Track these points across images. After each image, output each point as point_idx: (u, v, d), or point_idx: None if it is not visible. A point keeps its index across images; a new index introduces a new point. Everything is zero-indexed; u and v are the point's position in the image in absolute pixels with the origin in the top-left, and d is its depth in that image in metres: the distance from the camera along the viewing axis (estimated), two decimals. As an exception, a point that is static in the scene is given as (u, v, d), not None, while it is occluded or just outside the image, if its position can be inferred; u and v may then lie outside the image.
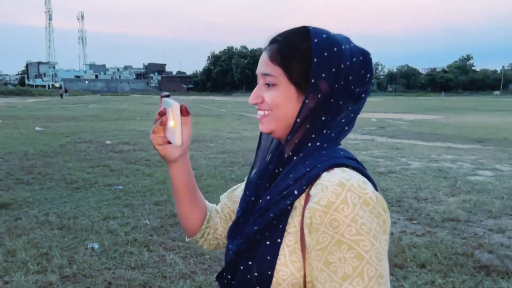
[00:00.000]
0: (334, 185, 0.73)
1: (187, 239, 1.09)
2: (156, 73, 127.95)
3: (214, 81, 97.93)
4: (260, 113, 0.88)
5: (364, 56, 0.84)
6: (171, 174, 0.98)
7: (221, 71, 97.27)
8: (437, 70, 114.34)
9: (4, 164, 7.70)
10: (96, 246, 3.91)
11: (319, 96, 0.81)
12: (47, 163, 7.79)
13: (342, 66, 0.81)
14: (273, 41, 0.87)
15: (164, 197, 5.57)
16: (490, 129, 15.34)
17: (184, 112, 0.91)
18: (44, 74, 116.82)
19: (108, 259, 3.68)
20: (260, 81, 0.88)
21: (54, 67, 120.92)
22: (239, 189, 1.08)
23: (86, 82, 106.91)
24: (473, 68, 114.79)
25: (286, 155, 0.86)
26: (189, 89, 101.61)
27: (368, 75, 0.85)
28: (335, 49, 0.81)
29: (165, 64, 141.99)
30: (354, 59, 0.83)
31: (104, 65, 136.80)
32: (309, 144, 0.83)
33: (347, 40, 0.85)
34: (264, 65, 0.86)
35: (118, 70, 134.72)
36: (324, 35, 0.82)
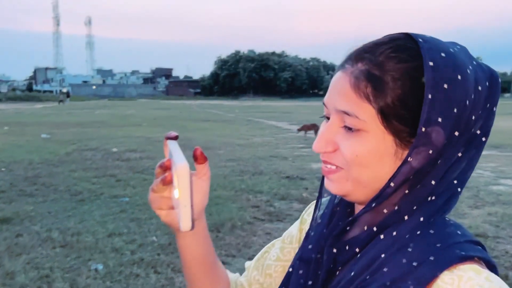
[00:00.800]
0: None
1: None
2: (163, 78, 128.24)
3: (222, 85, 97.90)
4: (330, 167, 0.60)
5: (491, 80, 0.57)
6: (179, 246, 0.72)
7: (228, 75, 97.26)
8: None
9: (9, 174, 7.50)
10: (100, 267, 3.66)
11: (430, 151, 0.54)
12: (52, 173, 7.58)
13: (467, 102, 0.53)
14: (358, 58, 0.57)
15: (172, 210, 5.30)
16: (506, 134, 14.95)
17: (199, 159, 0.64)
18: (52, 79, 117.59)
19: (112, 282, 3.42)
20: (333, 118, 0.59)
21: (61, 72, 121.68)
22: (272, 254, 0.80)
23: (94, 87, 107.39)
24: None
25: (365, 227, 0.58)
26: (197, 93, 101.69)
27: (494, 109, 0.57)
28: (459, 76, 0.53)
29: (172, 69, 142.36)
30: (480, 88, 0.55)
31: (111, 70, 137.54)
32: (406, 218, 0.55)
33: (468, 55, 0.57)
34: (343, 97, 0.57)
35: (125, 75, 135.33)
36: (443, 54, 0.54)
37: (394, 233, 0.55)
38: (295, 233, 0.79)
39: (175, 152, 0.60)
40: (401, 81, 0.54)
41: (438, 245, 0.53)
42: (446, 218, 0.58)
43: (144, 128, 16.56)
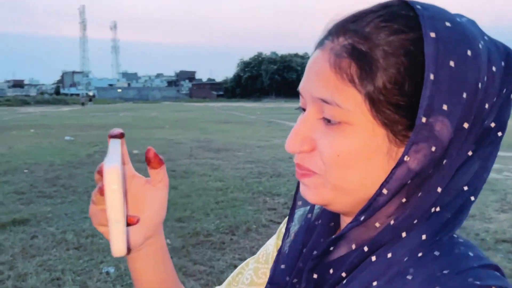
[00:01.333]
0: None
1: None
2: (187, 81, 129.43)
3: (244, 87, 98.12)
4: (305, 169, 0.49)
5: (508, 60, 0.45)
6: (130, 269, 0.60)
7: (250, 77, 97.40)
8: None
9: (30, 175, 7.60)
10: (111, 270, 3.61)
11: (433, 148, 0.42)
12: (72, 175, 7.65)
13: (479, 85, 0.42)
14: (340, 30, 0.46)
15: (188, 213, 5.25)
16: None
17: (152, 162, 0.54)
18: (79, 83, 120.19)
19: (123, 286, 3.37)
20: (310, 108, 0.48)
21: (88, 76, 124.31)
22: (245, 276, 0.69)
23: (119, 90, 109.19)
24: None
25: (354, 246, 0.47)
26: (219, 95, 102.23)
27: (511, 96, 0.46)
28: (469, 52, 0.42)
29: (195, 72, 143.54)
30: (494, 69, 0.43)
31: (136, 74, 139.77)
32: (404, 235, 0.44)
33: (478, 28, 0.45)
34: (320, 81, 0.46)
35: (150, 78, 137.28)
36: (448, 23, 0.43)
37: (389, 255, 0.44)
38: (271, 251, 0.67)
39: (112, 153, 0.49)
40: (395, 58, 0.42)
41: (446, 271, 0.42)
42: (455, 235, 0.47)
43: (165, 130, 16.64)
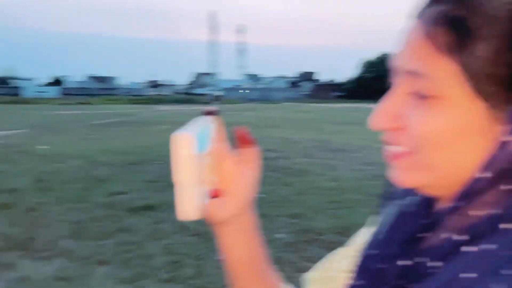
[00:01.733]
0: None
1: None
2: (307, 82, 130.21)
3: (366, 88, 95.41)
4: (395, 149, 0.45)
5: None
6: (220, 244, 0.61)
7: (373, 78, 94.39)
8: None
9: (162, 166, 8.34)
10: (225, 258, 3.82)
11: None
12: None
13: None
14: (434, 0, 0.42)
15: (301, 210, 5.31)
16: None
17: (241, 141, 0.56)
18: (208, 83, 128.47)
19: (235, 274, 3.55)
20: (400, 82, 0.44)
21: (215, 77, 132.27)
22: (344, 263, 0.67)
23: (243, 91, 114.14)
24: None
25: (448, 235, 0.43)
26: (340, 96, 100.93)
27: None
28: None
29: (316, 73, 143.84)
30: None
31: (259, 75, 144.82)
32: (503, 227, 0.40)
33: None
34: (413, 52, 0.42)
35: (272, 79, 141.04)
36: None
37: (483, 247, 0.39)
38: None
39: (189, 125, 0.51)
40: (496, 24, 0.37)
41: None
42: None
43: (284, 130, 16.96)
